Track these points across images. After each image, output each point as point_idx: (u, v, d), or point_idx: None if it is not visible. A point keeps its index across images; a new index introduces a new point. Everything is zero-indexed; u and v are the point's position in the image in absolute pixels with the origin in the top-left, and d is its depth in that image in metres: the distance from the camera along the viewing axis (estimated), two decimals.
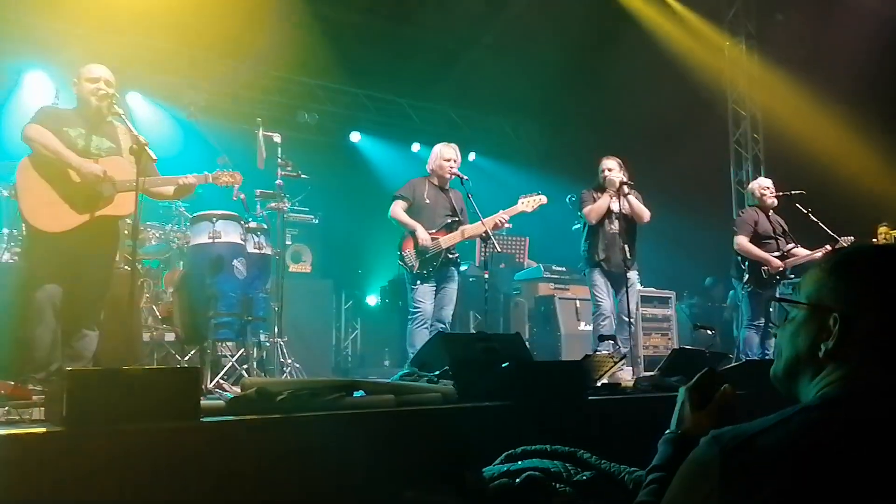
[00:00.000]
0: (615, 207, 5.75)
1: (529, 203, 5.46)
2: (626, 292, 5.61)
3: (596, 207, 5.78)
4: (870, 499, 0.93)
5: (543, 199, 5.49)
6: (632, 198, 5.75)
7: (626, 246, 5.65)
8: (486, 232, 5.27)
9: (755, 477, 0.95)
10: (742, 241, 6.08)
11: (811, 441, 0.97)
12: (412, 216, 5.36)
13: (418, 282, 5.28)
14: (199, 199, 5.76)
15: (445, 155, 5.47)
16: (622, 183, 5.69)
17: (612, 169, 5.83)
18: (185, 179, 4.10)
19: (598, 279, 5.81)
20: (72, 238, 3.76)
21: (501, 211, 5.40)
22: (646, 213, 5.83)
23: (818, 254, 6.06)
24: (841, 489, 0.93)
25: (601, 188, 5.87)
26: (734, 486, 0.96)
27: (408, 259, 5.28)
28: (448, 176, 5.44)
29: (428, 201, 5.41)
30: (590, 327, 6.71)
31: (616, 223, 5.75)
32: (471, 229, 5.37)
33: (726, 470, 0.98)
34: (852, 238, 5.97)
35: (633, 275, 5.74)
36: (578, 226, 6.09)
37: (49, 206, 3.74)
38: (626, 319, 5.67)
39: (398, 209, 5.40)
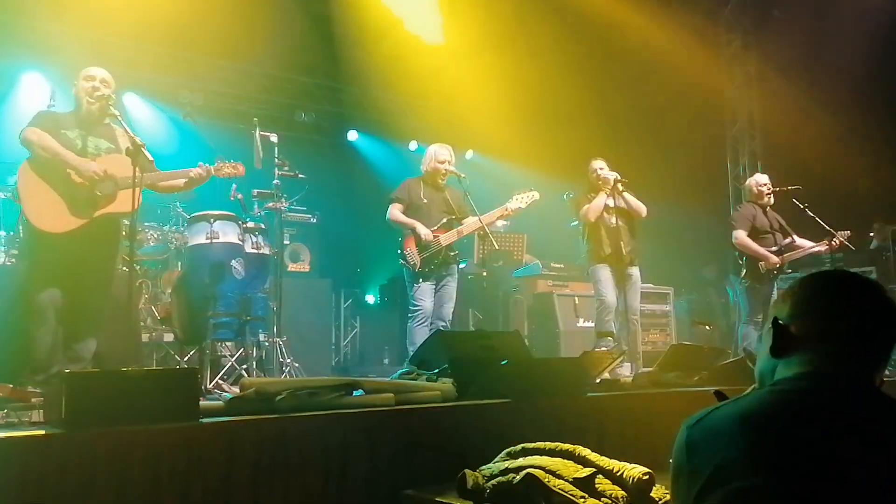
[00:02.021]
0: (611, 204, 5.77)
1: (523, 199, 5.47)
2: (625, 289, 5.64)
3: (593, 206, 5.80)
4: (808, 454, 1.11)
5: (536, 195, 5.50)
6: (627, 194, 5.79)
7: (627, 241, 5.70)
8: (483, 229, 5.27)
9: (711, 442, 1.16)
10: (741, 236, 6.08)
11: (760, 412, 1.18)
12: (410, 216, 5.37)
13: (420, 280, 5.29)
14: (197, 199, 5.76)
15: (440, 157, 5.48)
16: (617, 180, 5.71)
17: (603, 168, 5.86)
18: (187, 173, 4.12)
19: (604, 275, 5.80)
20: (75, 238, 3.77)
21: (498, 209, 5.42)
22: (643, 208, 5.88)
23: (816, 248, 6.07)
24: (783, 452, 1.12)
25: (594, 188, 5.90)
26: (696, 452, 1.18)
27: (410, 258, 5.28)
28: (442, 178, 5.46)
29: (425, 200, 5.41)
30: (588, 324, 6.72)
31: (614, 219, 5.77)
32: (469, 226, 5.38)
33: (689, 440, 1.20)
34: (848, 232, 5.98)
35: (634, 271, 5.76)
36: (576, 223, 6.09)
37: (52, 206, 3.75)
38: (633, 317, 5.69)
39: (395, 211, 5.41)
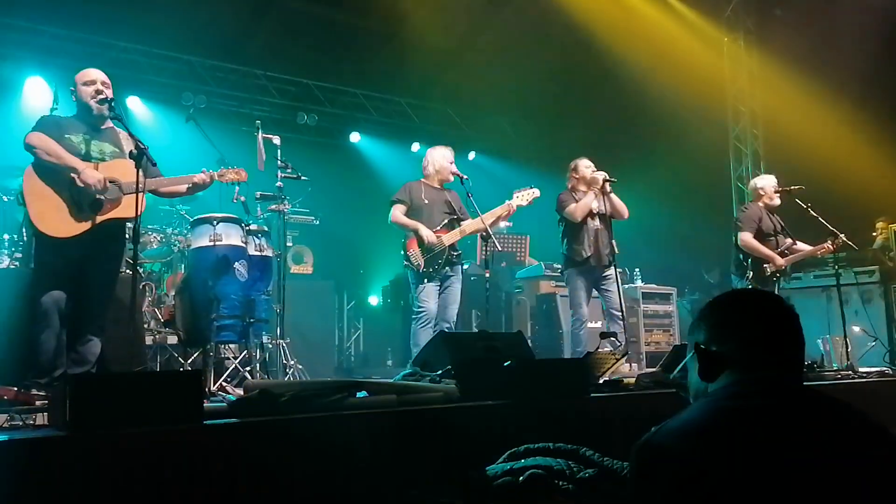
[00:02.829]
0: (595, 205, 5.77)
1: (524, 197, 5.48)
2: (608, 287, 5.66)
3: (581, 205, 5.80)
4: (758, 460, 1.16)
5: (537, 192, 5.51)
6: (613, 195, 5.79)
7: (607, 243, 5.72)
8: (486, 230, 5.28)
9: (664, 463, 1.22)
10: (747, 238, 6.05)
11: (704, 427, 1.24)
12: (412, 217, 5.38)
13: (425, 280, 5.30)
14: (200, 202, 5.78)
15: (449, 157, 5.53)
16: (605, 180, 5.71)
17: (589, 166, 5.87)
18: (190, 179, 4.13)
19: (578, 282, 5.85)
20: (80, 243, 3.77)
21: (498, 207, 5.42)
22: (626, 211, 5.88)
23: (818, 250, 6.05)
24: (737, 462, 1.16)
25: (577, 187, 5.90)
26: (651, 473, 1.23)
27: (414, 259, 5.29)
28: (450, 177, 5.48)
29: (426, 201, 5.43)
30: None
31: (597, 220, 5.78)
32: (471, 226, 5.38)
33: (642, 464, 1.26)
34: (843, 236, 5.94)
35: (611, 270, 5.77)
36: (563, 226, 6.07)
37: (56, 211, 3.76)
38: (616, 314, 5.69)
39: (398, 213, 5.42)
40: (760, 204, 6.25)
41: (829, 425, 1.24)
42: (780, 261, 5.97)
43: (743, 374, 1.36)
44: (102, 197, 3.80)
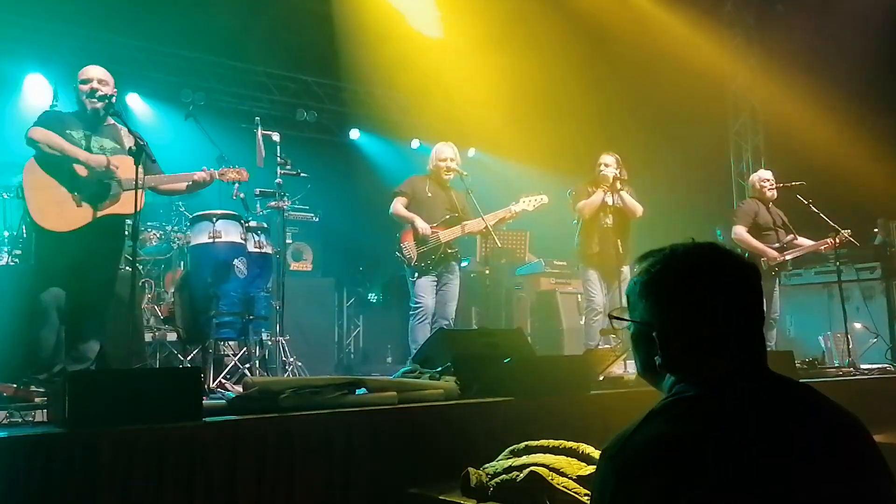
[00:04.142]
0: (609, 202, 5.76)
1: (531, 202, 5.48)
2: (619, 287, 5.65)
3: (589, 203, 5.81)
4: (732, 471, 1.10)
5: (545, 198, 5.51)
6: (624, 193, 5.78)
7: (619, 241, 5.68)
8: (486, 228, 5.27)
9: (639, 467, 1.14)
10: (740, 232, 6.05)
11: (676, 433, 1.15)
12: (412, 211, 5.38)
13: (417, 274, 5.29)
14: (199, 199, 5.76)
15: (441, 154, 5.49)
16: (615, 178, 5.71)
17: (609, 165, 5.84)
18: (191, 177, 4.13)
19: (591, 275, 5.86)
20: (79, 237, 3.78)
21: (503, 209, 5.42)
22: (639, 209, 5.86)
23: (820, 245, 6.05)
24: (706, 468, 1.10)
25: (595, 182, 5.89)
26: (628, 480, 1.14)
27: (406, 251, 5.29)
28: (445, 175, 5.46)
29: (429, 195, 5.42)
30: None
31: (610, 218, 5.77)
32: (471, 225, 5.37)
33: (618, 470, 1.16)
34: (849, 231, 5.93)
35: (625, 269, 5.77)
36: (576, 221, 6.09)
37: (56, 205, 3.76)
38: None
39: (398, 205, 5.43)
40: (757, 198, 6.26)
41: (797, 416, 1.19)
42: (772, 254, 5.95)
43: (708, 368, 1.24)
44: (110, 183, 3.81)
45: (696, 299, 1.25)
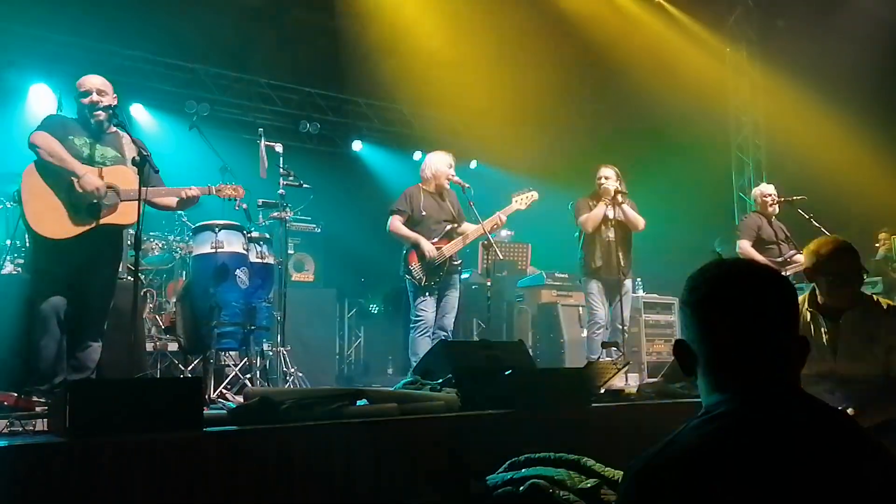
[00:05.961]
0: (610, 215, 5.77)
1: (522, 200, 5.47)
2: (621, 300, 5.66)
3: (592, 216, 5.81)
4: (759, 487, 1.11)
5: (535, 194, 5.50)
6: (626, 207, 5.80)
7: (620, 254, 5.70)
8: (488, 239, 5.26)
9: (667, 489, 1.13)
10: (745, 246, 6.07)
11: (707, 450, 1.16)
12: (410, 227, 5.35)
13: (426, 294, 5.28)
14: (202, 209, 5.75)
15: (447, 162, 5.51)
16: (616, 192, 5.72)
17: (609, 178, 5.85)
18: (188, 191, 4.10)
19: (594, 287, 5.87)
20: (76, 245, 3.76)
21: (498, 212, 5.42)
22: (640, 222, 5.87)
23: None
24: (727, 491, 1.11)
25: (597, 196, 5.90)
26: (646, 497, 1.15)
27: (415, 273, 5.26)
28: (446, 183, 5.47)
29: (424, 213, 5.39)
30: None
31: (612, 231, 5.78)
32: (471, 233, 5.37)
33: (643, 488, 1.16)
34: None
35: (627, 283, 5.78)
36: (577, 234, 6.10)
37: (53, 212, 3.74)
38: (620, 327, 5.69)
39: (397, 223, 5.38)
40: (760, 213, 6.27)
41: (824, 440, 1.19)
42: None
43: (741, 385, 1.25)
44: (101, 202, 3.80)
45: (732, 319, 1.26)
